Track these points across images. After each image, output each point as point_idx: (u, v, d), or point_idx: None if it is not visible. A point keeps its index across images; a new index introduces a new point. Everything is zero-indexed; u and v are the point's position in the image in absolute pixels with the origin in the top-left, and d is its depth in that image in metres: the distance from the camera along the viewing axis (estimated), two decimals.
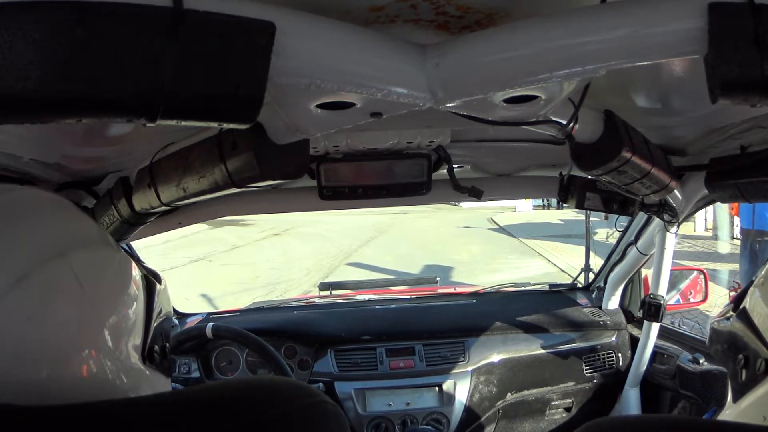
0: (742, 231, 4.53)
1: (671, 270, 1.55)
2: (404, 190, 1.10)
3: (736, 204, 4.48)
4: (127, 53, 0.36)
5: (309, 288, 6.29)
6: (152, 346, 0.52)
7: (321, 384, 1.55)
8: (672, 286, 1.69)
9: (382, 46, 0.51)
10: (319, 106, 0.59)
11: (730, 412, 0.64)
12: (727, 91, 0.44)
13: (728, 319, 0.65)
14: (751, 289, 0.62)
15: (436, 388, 1.56)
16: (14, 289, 0.39)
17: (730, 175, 1.00)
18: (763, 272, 0.62)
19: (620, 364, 1.69)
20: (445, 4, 0.54)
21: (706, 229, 8.85)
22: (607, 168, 0.84)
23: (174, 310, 1.76)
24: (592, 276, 2.04)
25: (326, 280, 2.40)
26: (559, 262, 7.69)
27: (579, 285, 2.06)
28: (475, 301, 1.93)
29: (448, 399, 1.54)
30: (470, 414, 1.56)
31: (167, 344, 0.57)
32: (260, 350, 1.39)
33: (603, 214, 1.29)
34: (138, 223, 1.04)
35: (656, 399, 1.64)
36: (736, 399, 0.63)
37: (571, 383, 1.67)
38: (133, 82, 0.37)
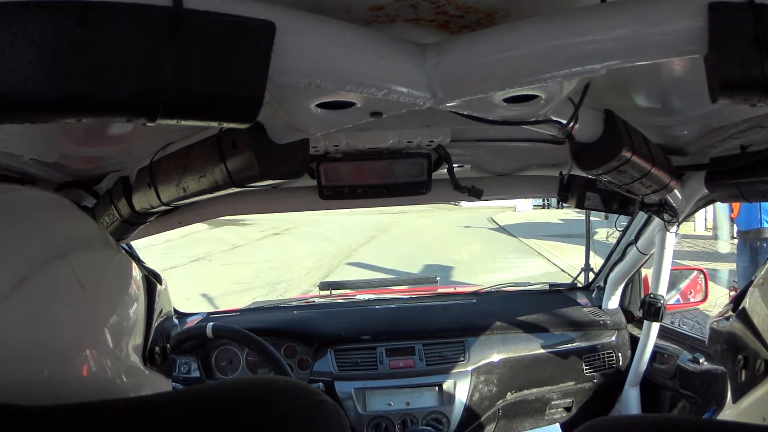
0: (739, 233, 4.58)
1: (671, 270, 1.54)
2: (404, 190, 1.10)
3: (737, 208, 4.51)
4: (127, 53, 0.36)
5: (309, 287, 6.29)
6: (153, 347, 0.52)
7: (321, 384, 1.55)
8: (672, 285, 1.69)
9: (382, 45, 0.51)
10: (319, 105, 0.59)
11: (729, 413, 0.64)
12: (727, 91, 0.44)
13: (727, 319, 0.65)
14: (751, 289, 0.62)
15: (436, 388, 1.56)
16: (16, 290, 0.39)
17: (730, 174, 1.00)
18: (762, 272, 0.61)
19: (620, 363, 1.69)
20: (445, 3, 0.54)
21: (706, 228, 8.84)
22: (607, 167, 0.84)
23: (174, 309, 1.76)
24: (592, 276, 2.04)
25: (326, 280, 2.40)
26: (559, 262, 7.69)
27: (579, 285, 2.06)
28: (475, 300, 1.93)
29: (448, 398, 1.54)
30: (470, 413, 1.56)
31: (168, 345, 0.56)
32: (260, 350, 1.39)
33: (603, 213, 1.29)
34: (138, 222, 1.04)
35: (656, 399, 1.64)
36: (735, 399, 0.63)
37: (571, 383, 1.67)
38: (133, 82, 0.37)
